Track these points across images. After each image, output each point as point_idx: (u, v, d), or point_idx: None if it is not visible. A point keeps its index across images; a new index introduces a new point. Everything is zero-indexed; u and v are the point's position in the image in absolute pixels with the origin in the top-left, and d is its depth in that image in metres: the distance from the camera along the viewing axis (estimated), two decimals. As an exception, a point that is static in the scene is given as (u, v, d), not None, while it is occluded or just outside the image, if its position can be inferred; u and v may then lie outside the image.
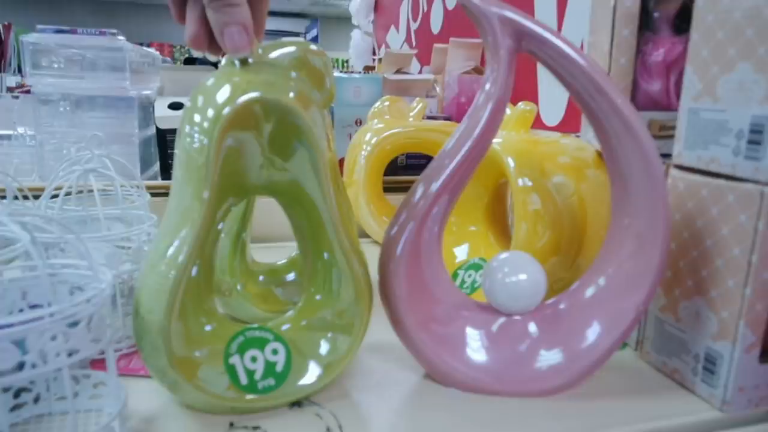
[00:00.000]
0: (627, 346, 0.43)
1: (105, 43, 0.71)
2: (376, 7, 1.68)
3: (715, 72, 0.34)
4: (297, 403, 0.34)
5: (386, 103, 0.68)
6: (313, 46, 0.34)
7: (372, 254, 0.36)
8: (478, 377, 0.35)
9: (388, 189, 0.75)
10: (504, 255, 0.36)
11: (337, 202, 0.33)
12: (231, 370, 0.32)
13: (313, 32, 5.98)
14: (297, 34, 6.52)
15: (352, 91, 0.78)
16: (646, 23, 0.42)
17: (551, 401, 0.35)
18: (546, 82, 0.70)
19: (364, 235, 0.69)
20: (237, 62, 0.32)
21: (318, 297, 0.36)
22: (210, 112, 0.29)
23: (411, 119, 0.68)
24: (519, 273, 0.34)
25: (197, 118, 0.30)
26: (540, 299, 0.36)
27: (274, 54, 0.32)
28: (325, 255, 0.34)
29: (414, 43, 1.29)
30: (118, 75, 0.71)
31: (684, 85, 0.36)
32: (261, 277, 0.44)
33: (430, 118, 0.85)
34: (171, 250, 0.30)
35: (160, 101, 0.76)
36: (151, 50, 0.94)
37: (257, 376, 0.32)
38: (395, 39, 1.45)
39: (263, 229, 0.58)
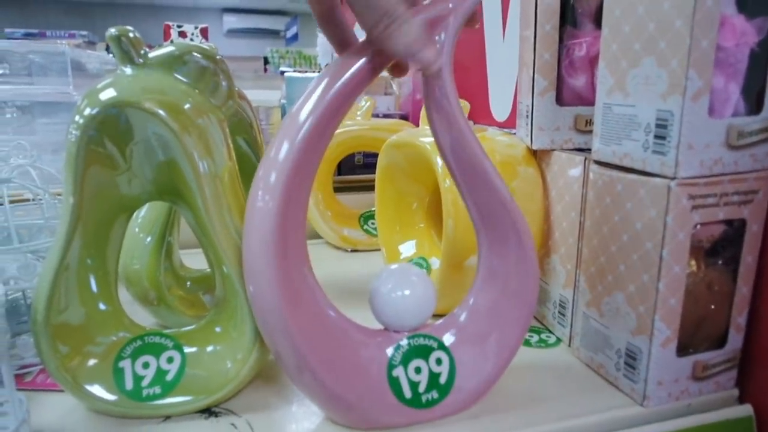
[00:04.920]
0: (560, 342, 0.43)
1: (45, 48, 0.69)
2: (342, 2, 1.66)
3: (624, 66, 0.33)
4: (212, 413, 0.33)
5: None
6: (206, 46, 0.33)
7: (324, 256, 0.35)
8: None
9: (343, 189, 0.75)
10: (389, 269, 0.34)
11: (220, 219, 0.32)
12: (118, 374, 0.31)
13: (293, 29, 5.94)
14: (277, 32, 6.48)
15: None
16: (569, 18, 0.41)
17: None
18: (496, 78, 0.70)
19: (315, 236, 0.69)
20: (128, 67, 0.31)
21: (220, 310, 0.35)
22: (78, 116, 0.29)
23: (359, 118, 0.67)
24: (404, 288, 0.33)
25: (76, 117, 0.29)
26: (427, 316, 0.34)
27: (161, 56, 0.32)
28: (224, 268, 0.33)
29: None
30: (62, 80, 0.70)
31: (598, 79, 0.36)
32: (188, 283, 0.43)
33: (386, 116, 0.85)
34: (49, 253, 0.30)
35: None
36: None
37: (145, 382, 0.32)
38: (360, 35, 1.44)
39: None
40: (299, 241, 0.31)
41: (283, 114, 0.79)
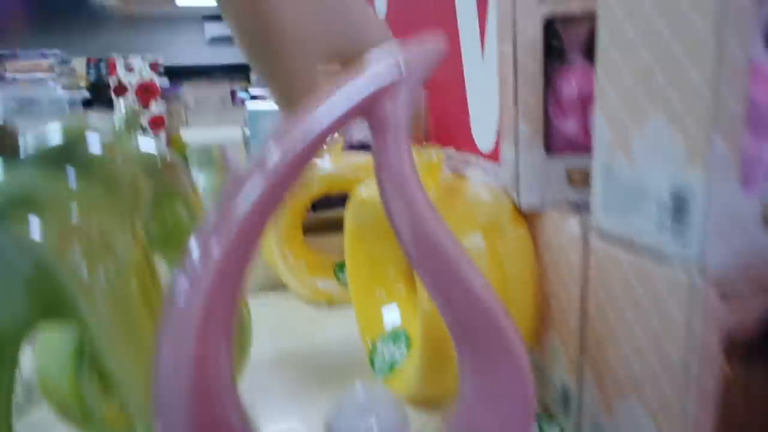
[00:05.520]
0: (565, 434, 0.36)
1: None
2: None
3: (625, 122, 0.27)
4: None
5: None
6: (94, 134, 0.26)
7: (294, 314, 0.28)
8: None
9: (316, 229, 0.68)
10: (352, 393, 0.28)
11: (119, 341, 0.25)
12: None
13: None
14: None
15: (271, 120, 0.71)
16: (554, 53, 0.35)
17: None
18: (477, 101, 0.63)
19: (278, 286, 0.62)
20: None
21: None
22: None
23: (326, 156, 0.60)
24: (367, 416, 0.26)
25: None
26: None
27: (44, 151, 0.25)
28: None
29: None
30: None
31: (595, 132, 0.29)
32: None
33: (362, 146, 0.78)
34: None
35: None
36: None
37: None
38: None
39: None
40: (224, 370, 0.24)
41: (247, 154, 0.72)
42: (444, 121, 0.72)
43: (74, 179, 0.25)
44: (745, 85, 0.22)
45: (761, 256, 0.25)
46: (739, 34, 0.22)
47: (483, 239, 0.37)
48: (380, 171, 0.24)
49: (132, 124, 0.36)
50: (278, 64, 0.29)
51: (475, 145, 0.64)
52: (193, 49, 6.60)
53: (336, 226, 0.73)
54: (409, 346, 0.45)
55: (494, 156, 0.60)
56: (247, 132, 0.75)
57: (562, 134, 0.35)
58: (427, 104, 0.76)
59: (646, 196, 0.26)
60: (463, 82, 0.65)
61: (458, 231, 0.37)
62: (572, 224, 0.33)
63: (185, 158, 0.68)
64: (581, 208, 0.35)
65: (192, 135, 0.66)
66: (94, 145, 0.26)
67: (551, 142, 0.35)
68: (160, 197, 0.36)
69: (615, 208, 0.28)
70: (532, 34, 0.33)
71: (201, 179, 0.66)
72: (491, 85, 0.58)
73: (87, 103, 2.78)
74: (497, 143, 0.60)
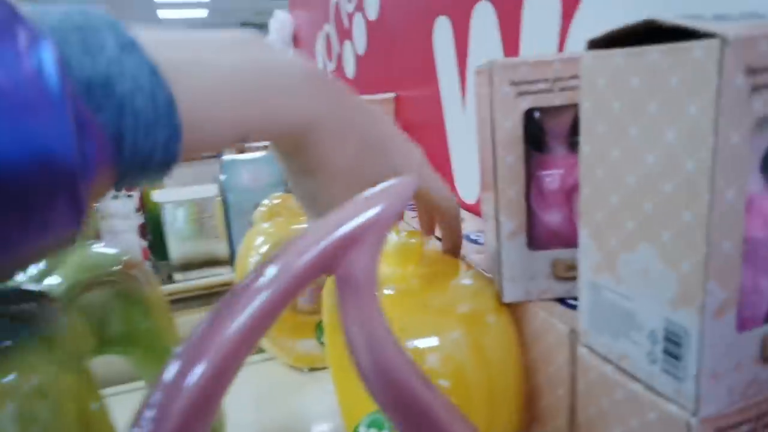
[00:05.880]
0: None
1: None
2: (295, 41, 1.58)
3: (612, 244, 0.25)
4: None
5: (276, 201, 0.58)
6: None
7: (273, 380, 0.25)
8: None
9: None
10: None
11: None
12: None
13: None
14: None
15: (247, 176, 0.68)
16: (535, 143, 0.33)
17: None
18: (459, 152, 0.61)
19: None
20: None
21: None
22: None
23: (304, 217, 0.58)
24: None
25: None
26: None
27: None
28: None
29: (333, 85, 1.19)
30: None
31: (580, 247, 0.27)
32: None
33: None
34: None
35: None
36: None
37: None
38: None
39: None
40: None
41: (225, 208, 0.70)
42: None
43: (7, 335, 0.23)
44: (740, 223, 0.21)
45: (760, 392, 0.23)
46: (733, 171, 0.20)
47: (464, 330, 0.35)
48: (348, 327, 0.22)
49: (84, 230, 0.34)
50: (320, 202, 0.32)
51: (457, 195, 0.62)
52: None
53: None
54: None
55: (478, 207, 0.59)
56: (222, 179, 0.72)
57: (545, 226, 0.34)
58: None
59: (636, 326, 0.24)
60: (445, 130, 0.64)
61: (439, 322, 0.35)
62: (559, 328, 0.31)
63: (159, 220, 0.65)
64: (568, 304, 0.33)
65: (165, 194, 0.64)
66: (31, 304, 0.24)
67: (535, 234, 0.34)
68: (117, 302, 0.34)
69: (604, 329, 0.27)
70: (512, 128, 0.32)
71: (174, 240, 0.64)
72: (473, 139, 0.57)
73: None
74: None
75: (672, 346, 0.23)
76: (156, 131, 0.22)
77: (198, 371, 0.19)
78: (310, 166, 0.30)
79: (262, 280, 0.20)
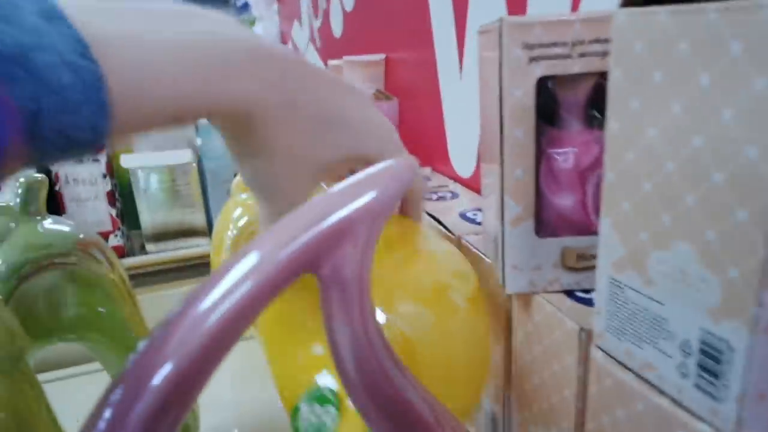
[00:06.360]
0: None
1: None
2: (280, -4, 1.50)
3: (643, 240, 0.22)
4: None
5: (255, 170, 0.54)
6: None
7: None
8: None
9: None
10: None
11: None
12: None
13: (244, -1, 5.61)
14: (225, 1, 6.12)
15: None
16: (547, 116, 0.29)
17: None
18: (454, 123, 0.57)
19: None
20: None
21: None
22: None
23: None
24: None
25: None
26: None
27: None
28: None
29: (318, 44, 1.13)
30: None
31: (600, 239, 0.24)
32: None
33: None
34: None
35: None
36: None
37: None
38: (300, 35, 1.28)
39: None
40: None
41: (202, 175, 0.65)
42: (418, 136, 0.67)
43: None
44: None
45: (806, 413, 0.20)
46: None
47: (425, 308, 0.31)
48: (333, 333, 0.18)
49: (31, 202, 0.30)
50: (269, 185, 0.29)
51: (452, 170, 0.58)
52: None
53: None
54: (339, 407, 0.40)
55: (474, 182, 0.55)
56: (198, 144, 0.67)
57: (555, 210, 0.30)
58: (399, 116, 0.70)
59: (665, 334, 0.21)
60: (440, 97, 0.59)
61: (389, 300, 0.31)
62: (568, 325, 0.28)
63: (129, 186, 0.61)
64: (577, 297, 0.30)
65: (135, 159, 0.59)
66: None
67: (543, 219, 0.30)
68: (70, 285, 0.31)
69: (625, 333, 0.23)
70: (522, 96, 0.28)
71: (146, 209, 0.60)
72: (470, 108, 0.52)
73: None
74: (477, 166, 0.54)
75: (709, 360, 0.20)
76: (81, 109, 0.19)
77: (167, 368, 0.16)
78: (254, 148, 0.28)
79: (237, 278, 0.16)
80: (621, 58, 0.21)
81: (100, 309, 0.31)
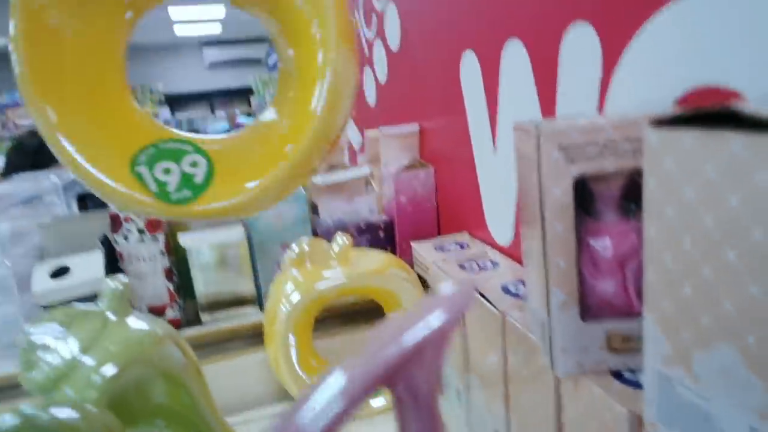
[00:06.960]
0: None
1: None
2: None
3: (686, 340, 0.23)
4: None
5: (305, 248, 0.57)
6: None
7: None
8: None
9: (323, 326, 0.65)
10: None
11: None
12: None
13: (275, 56, 5.84)
14: (258, 60, 6.39)
15: (273, 216, 0.67)
16: (585, 208, 0.31)
17: None
18: (490, 193, 0.59)
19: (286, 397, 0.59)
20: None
21: None
22: None
23: (334, 262, 0.57)
24: None
25: None
26: None
27: None
28: None
29: (353, 112, 1.18)
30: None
31: (645, 333, 0.25)
32: None
33: (369, 226, 0.75)
34: None
35: (39, 268, 0.64)
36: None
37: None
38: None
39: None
40: None
41: (251, 248, 0.68)
42: (454, 203, 0.69)
43: None
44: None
45: None
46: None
47: None
48: None
49: (120, 303, 0.33)
50: None
51: (489, 236, 0.60)
52: (192, 75, 6.65)
53: (343, 316, 0.70)
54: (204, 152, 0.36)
55: (514, 251, 0.57)
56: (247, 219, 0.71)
57: (599, 295, 0.32)
58: (436, 183, 0.73)
59: (715, 430, 0.22)
60: (474, 165, 0.62)
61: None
62: (617, 410, 0.29)
63: (185, 262, 0.65)
64: (624, 379, 0.31)
65: (191, 238, 0.63)
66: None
67: (587, 305, 0.32)
68: (156, 378, 0.33)
69: (675, 425, 0.25)
70: (561, 194, 0.30)
71: (201, 281, 0.63)
72: (505, 177, 0.55)
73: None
74: (516, 236, 0.56)
75: (760, 458, 0.21)
76: None
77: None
78: None
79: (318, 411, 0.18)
80: (653, 170, 0.23)
81: (181, 398, 0.34)
